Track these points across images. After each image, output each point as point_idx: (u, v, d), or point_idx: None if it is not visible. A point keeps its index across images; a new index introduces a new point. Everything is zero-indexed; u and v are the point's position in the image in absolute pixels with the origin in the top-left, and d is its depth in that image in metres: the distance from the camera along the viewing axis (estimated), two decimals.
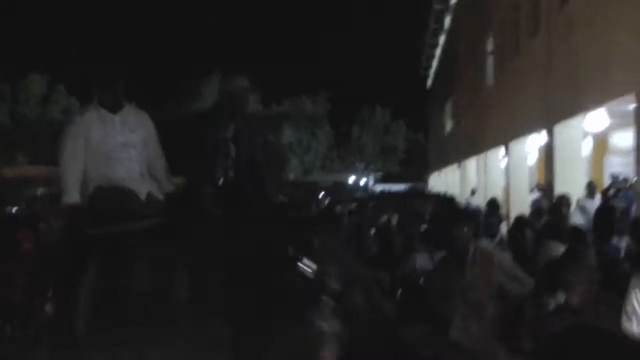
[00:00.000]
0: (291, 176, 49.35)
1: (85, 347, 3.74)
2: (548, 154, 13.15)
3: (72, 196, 4.46)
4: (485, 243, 4.89)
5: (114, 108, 4.65)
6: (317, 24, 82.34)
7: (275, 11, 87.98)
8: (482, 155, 20.86)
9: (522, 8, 15.68)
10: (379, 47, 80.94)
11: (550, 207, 8.95)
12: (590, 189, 10.78)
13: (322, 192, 21.74)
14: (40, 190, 23.80)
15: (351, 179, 44.85)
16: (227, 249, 4.08)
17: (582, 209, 9.80)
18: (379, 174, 53.76)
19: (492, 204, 11.12)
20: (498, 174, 18.47)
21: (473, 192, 20.28)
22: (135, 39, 69.67)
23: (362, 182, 46.53)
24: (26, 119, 48.80)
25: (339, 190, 29.95)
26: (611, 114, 11.42)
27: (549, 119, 12.81)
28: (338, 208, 12.98)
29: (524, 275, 4.38)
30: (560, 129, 12.39)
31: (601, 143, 15.13)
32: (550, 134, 12.78)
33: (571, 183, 11.80)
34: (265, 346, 3.68)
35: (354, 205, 13.68)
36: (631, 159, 9.92)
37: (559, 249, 5.55)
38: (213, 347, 3.64)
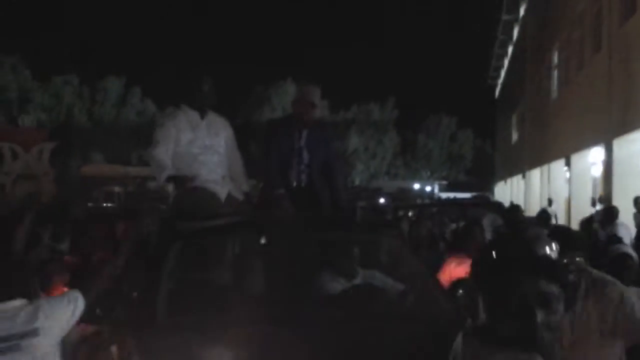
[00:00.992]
0: (357, 181, 49.89)
1: (165, 329, 3.73)
2: (607, 167, 13.44)
3: (169, 171, 4.57)
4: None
5: (201, 113, 4.85)
6: (388, 31, 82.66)
7: (346, 17, 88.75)
8: (545, 167, 21.07)
9: (586, 24, 15.96)
10: (448, 55, 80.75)
11: (581, 222, 9.25)
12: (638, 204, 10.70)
13: (382, 198, 22.13)
14: (116, 188, 25.08)
15: (416, 186, 45.05)
16: (295, 249, 4.32)
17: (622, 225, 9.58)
18: (445, 182, 53.75)
19: (541, 215, 11.25)
20: (561, 185, 18.67)
21: (550, 202, 19.26)
22: (206, 42, 71.53)
23: (428, 189, 46.68)
24: (103, 119, 50.83)
25: (404, 197, 30.28)
26: None
27: (608, 133, 13.12)
28: (400, 213, 13.22)
29: None
30: (620, 143, 12.71)
31: None
32: (610, 148, 13.10)
33: (630, 197, 12.08)
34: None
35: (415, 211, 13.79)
36: None
37: None
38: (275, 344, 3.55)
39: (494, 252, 2.58)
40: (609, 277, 3.23)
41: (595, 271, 3.25)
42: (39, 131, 29.67)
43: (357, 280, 4.26)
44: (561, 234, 3.63)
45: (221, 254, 4.43)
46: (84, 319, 3.42)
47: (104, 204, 20.07)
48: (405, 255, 4.78)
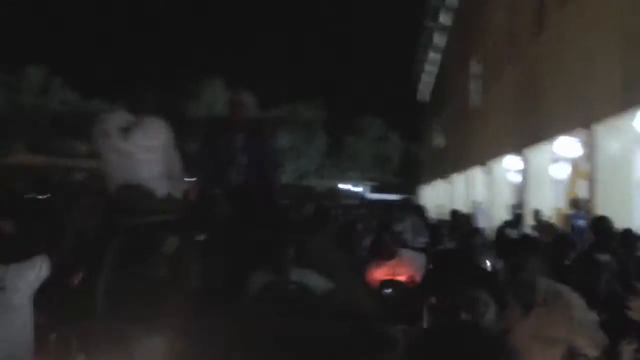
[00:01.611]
0: (286, 180, 50.30)
1: (102, 318, 4.03)
2: (523, 175, 14.35)
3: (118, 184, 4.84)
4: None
5: (140, 115, 5.03)
6: (317, 30, 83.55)
7: (274, 13, 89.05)
8: (468, 172, 22.07)
9: (501, 36, 16.93)
10: (376, 57, 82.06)
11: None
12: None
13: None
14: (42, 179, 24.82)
15: (345, 187, 45.82)
16: (230, 246, 4.48)
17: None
18: (373, 183, 54.80)
19: (454, 214, 12.03)
20: (481, 190, 19.62)
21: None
22: (131, 36, 70.67)
23: (357, 190, 47.55)
24: (24, 108, 49.68)
25: (334, 197, 30.78)
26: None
27: (521, 142, 14.03)
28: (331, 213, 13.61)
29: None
30: (532, 152, 13.61)
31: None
32: (523, 157, 14.01)
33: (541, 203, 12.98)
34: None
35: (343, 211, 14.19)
36: None
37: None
38: (207, 335, 4.02)
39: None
40: (563, 287, 3.26)
41: (550, 280, 3.41)
42: None
43: (289, 278, 4.43)
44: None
45: (158, 249, 4.57)
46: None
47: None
48: (335, 255, 5.08)
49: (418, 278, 5.81)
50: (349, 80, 69.99)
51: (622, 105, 8.85)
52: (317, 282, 4.48)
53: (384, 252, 5.56)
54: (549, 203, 13.27)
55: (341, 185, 45.86)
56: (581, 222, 9.97)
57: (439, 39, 31.72)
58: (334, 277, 4.54)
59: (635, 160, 9.52)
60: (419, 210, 11.80)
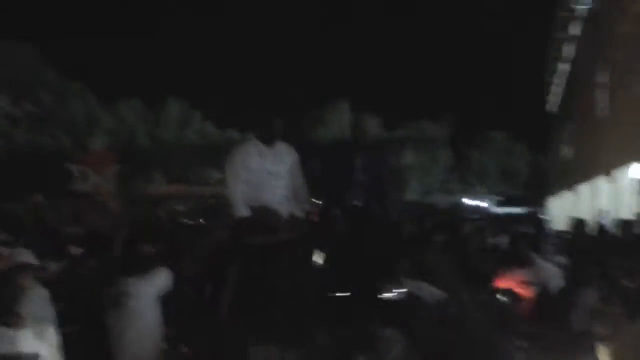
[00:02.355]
0: (411, 197, 50.58)
1: (226, 324, 4.49)
2: None
3: (242, 211, 5.38)
4: None
5: (270, 143, 5.48)
6: (442, 46, 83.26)
7: (398, 33, 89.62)
8: (592, 181, 21.66)
9: (630, 45, 16.69)
10: (500, 71, 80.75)
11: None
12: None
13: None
14: (180, 206, 26.59)
15: (471, 202, 45.51)
16: (350, 261, 4.85)
17: None
18: (500, 197, 53.98)
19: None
20: (605, 200, 19.26)
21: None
22: (262, 66, 73.46)
23: (482, 204, 47.08)
24: (164, 141, 52.99)
25: (456, 212, 30.81)
26: None
27: None
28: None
29: None
30: None
31: None
32: None
33: None
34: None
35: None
36: None
37: None
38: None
39: None
40: None
41: None
42: (107, 154, 31.41)
43: (404, 288, 4.75)
44: None
45: (280, 265, 5.07)
46: None
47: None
48: (448, 268, 5.41)
49: (549, 290, 5.93)
50: (475, 95, 69.24)
51: None
52: (429, 292, 4.79)
53: (518, 259, 5.66)
54: None
55: (466, 200, 45.50)
56: None
57: (568, 50, 31.22)
58: (446, 288, 4.92)
59: None
60: (537, 223, 12.02)
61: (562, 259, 7.46)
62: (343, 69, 74.58)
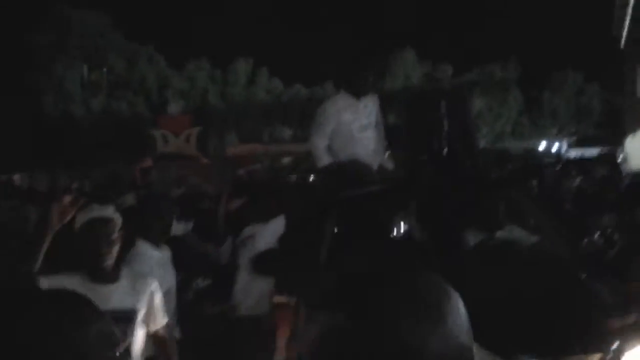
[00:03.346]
0: (482, 144, 50.32)
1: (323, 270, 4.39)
2: None
3: (325, 160, 5.68)
4: None
5: (360, 95, 5.70)
6: None
7: None
8: None
9: None
10: (568, 8, 78.16)
11: None
12: None
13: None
14: (257, 166, 27.53)
15: (542, 145, 45.06)
16: (442, 209, 4.74)
17: None
18: (574, 138, 53.13)
19: None
20: None
21: None
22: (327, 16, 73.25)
23: (555, 147, 46.55)
24: (234, 100, 54.17)
25: (532, 157, 30.68)
26: None
27: None
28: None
29: None
30: None
31: None
32: None
33: None
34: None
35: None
36: None
37: None
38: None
39: None
40: None
41: None
42: (184, 117, 32.65)
43: (498, 234, 4.64)
44: None
45: (376, 217, 4.98)
46: None
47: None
48: (538, 210, 5.19)
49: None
50: (543, 34, 67.63)
51: None
52: (523, 236, 4.65)
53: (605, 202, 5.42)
54: None
55: (539, 144, 45.09)
56: None
57: None
58: (539, 231, 4.76)
59: None
60: (614, 164, 12.19)
61: None
62: (402, 16, 73.78)
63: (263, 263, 4.89)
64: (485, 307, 2.03)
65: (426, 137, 5.83)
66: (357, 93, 5.75)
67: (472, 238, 4.38)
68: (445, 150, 5.78)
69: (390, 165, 5.85)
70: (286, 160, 24.18)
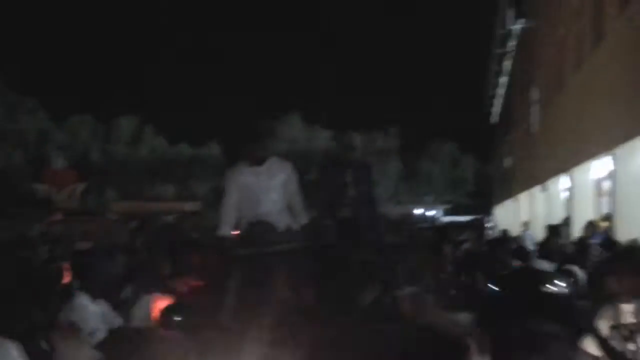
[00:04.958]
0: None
1: (229, 332, 4.38)
2: (571, 193, 16.28)
3: (225, 231, 5.71)
4: None
5: (260, 161, 5.65)
6: (389, 60, 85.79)
7: (344, 47, 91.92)
8: (530, 191, 23.94)
9: (552, 70, 18.96)
10: (446, 85, 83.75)
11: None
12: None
13: None
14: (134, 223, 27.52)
15: (419, 211, 47.54)
16: (343, 268, 4.80)
17: None
18: (448, 206, 56.36)
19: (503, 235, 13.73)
20: (540, 207, 21.45)
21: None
22: (210, 78, 74.64)
23: (430, 214, 49.22)
24: (117, 157, 53.85)
25: (406, 222, 32.36)
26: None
27: (568, 164, 16.01)
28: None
29: None
30: (578, 171, 15.57)
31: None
32: (571, 177, 15.99)
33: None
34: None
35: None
36: None
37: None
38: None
39: None
40: None
41: None
42: (70, 172, 32.20)
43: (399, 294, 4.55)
44: None
45: (277, 274, 5.14)
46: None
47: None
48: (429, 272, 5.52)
49: None
50: (423, 107, 71.88)
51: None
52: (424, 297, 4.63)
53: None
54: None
55: (416, 210, 47.52)
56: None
57: (507, 65, 33.61)
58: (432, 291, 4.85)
59: None
60: (479, 229, 13.86)
61: None
62: (291, 83, 76.35)
63: None
64: None
65: (332, 202, 6.00)
66: (258, 160, 5.80)
67: (370, 295, 4.51)
68: (351, 214, 5.96)
69: (297, 226, 5.90)
70: (169, 218, 24.60)
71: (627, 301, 3.82)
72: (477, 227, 15.25)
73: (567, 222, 15.17)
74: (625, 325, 3.79)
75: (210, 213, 20.74)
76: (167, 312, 4.77)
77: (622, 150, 11.54)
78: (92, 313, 4.80)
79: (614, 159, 11.84)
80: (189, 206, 32.91)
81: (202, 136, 55.18)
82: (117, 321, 4.89)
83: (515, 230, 22.95)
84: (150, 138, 55.11)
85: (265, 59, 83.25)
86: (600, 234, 11.19)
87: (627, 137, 11.19)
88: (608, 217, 12.76)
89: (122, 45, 76.57)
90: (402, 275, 4.67)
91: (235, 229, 5.89)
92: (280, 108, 55.74)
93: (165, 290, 5.28)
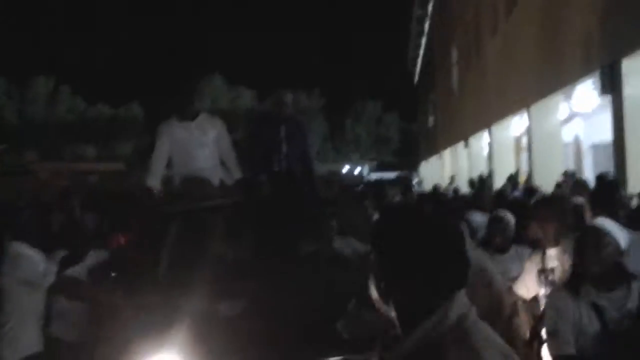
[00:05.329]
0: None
1: (165, 288, 4.29)
2: (491, 149, 17.06)
3: (153, 182, 5.71)
4: None
5: (192, 116, 5.70)
6: (314, 22, 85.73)
7: (269, 10, 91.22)
8: (452, 148, 24.79)
9: (470, 30, 19.60)
10: (371, 44, 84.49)
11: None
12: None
13: None
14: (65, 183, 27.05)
15: (345, 169, 48.20)
16: (279, 222, 4.74)
17: None
18: (374, 163, 57.38)
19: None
20: (464, 162, 22.32)
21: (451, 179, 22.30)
22: (134, 38, 72.98)
23: (357, 171, 49.99)
24: (34, 118, 52.36)
25: (334, 179, 32.91)
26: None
27: (489, 121, 16.74)
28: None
29: None
30: (497, 128, 16.32)
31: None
32: (491, 132, 16.73)
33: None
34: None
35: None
36: None
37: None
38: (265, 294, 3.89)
39: None
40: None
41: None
42: None
43: (334, 245, 4.80)
44: None
45: (211, 228, 5.03)
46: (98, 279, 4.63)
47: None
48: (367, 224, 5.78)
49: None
50: (346, 68, 72.46)
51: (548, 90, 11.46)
52: (359, 246, 4.86)
53: (495, 245, 5.19)
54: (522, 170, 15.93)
55: (342, 167, 48.21)
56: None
57: (428, 26, 34.29)
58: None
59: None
60: (407, 186, 14.38)
61: None
62: (215, 44, 75.53)
63: None
64: None
65: (266, 158, 6.07)
66: (189, 115, 5.84)
67: (308, 247, 4.62)
68: (284, 170, 6.05)
69: (230, 180, 6.01)
70: (92, 178, 24.33)
71: (550, 246, 3.97)
72: (404, 182, 15.81)
73: (489, 175, 15.97)
74: (551, 269, 3.92)
75: (134, 173, 20.60)
76: (102, 268, 4.81)
77: (536, 107, 12.21)
78: (35, 258, 4.90)
79: (529, 116, 12.51)
80: (113, 166, 32.61)
81: (122, 97, 54.26)
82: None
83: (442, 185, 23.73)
84: (67, 98, 53.71)
85: (185, 20, 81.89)
86: (519, 186, 11.90)
87: (539, 95, 11.86)
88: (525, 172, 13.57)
89: (34, 4, 73.91)
90: (337, 228, 4.72)
91: (167, 183, 5.94)
92: (203, 69, 55.37)
93: (100, 247, 5.24)
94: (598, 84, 8.44)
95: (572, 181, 9.57)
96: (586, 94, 10.85)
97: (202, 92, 51.73)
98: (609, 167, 9.04)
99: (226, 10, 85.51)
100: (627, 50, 7.72)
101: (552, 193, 8.45)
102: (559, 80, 10.76)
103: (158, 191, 5.78)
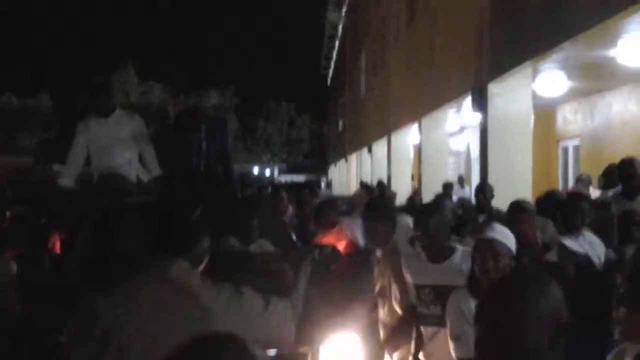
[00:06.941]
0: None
1: (78, 287, 4.10)
2: (389, 155, 18.55)
3: (64, 182, 5.86)
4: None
5: (108, 112, 5.78)
6: (228, 19, 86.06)
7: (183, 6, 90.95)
8: (358, 153, 26.29)
9: (375, 36, 21.12)
10: (285, 45, 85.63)
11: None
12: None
13: None
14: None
15: (255, 170, 49.14)
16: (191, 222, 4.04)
17: None
18: (284, 165, 58.62)
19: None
20: (367, 168, 23.78)
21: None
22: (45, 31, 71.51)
23: (267, 172, 51.10)
24: None
25: (245, 180, 33.71)
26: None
27: (388, 130, 18.25)
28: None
29: None
30: (395, 136, 17.80)
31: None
32: (389, 140, 18.24)
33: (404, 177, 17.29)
34: None
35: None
36: None
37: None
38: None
39: None
40: None
41: None
42: None
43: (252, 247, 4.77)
44: None
45: (127, 225, 4.80)
46: None
47: None
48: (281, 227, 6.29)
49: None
50: (260, 67, 73.26)
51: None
52: (269, 247, 4.98)
53: (325, 222, 5.69)
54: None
55: (252, 168, 49.07)
56: None
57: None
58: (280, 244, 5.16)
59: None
60: (314, 189, 15.55)
61: None
62: (128, 37, 74.98)
63: None
64: None
65: (185, 156, 6.14)
66: (105, 112, 5.95)
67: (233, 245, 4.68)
68: (203, 169, 6.11)
69: (147, 177, 6.12)
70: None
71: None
72: (312, 187, 16.97)
73: (389, 180, 17.40)
74: None
75: (40, 168, 20.68)
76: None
77: (426, 120, 13.71)
78: None
79: (419, 128, 14.03)
80: (20, 162, 32.37)
81: (30, 87, 53.46)
82: None
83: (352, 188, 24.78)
84: None
85: (99, 11, 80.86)
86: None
87: (428, 108, 13.33)
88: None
89: None
90: (256, 228, 4.85)
91: (81, 180, 6.03)
92: (114, 62, 55.13)
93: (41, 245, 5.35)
94: (471, 103, 9.91)
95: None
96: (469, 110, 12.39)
97: (114, 86, 51.51)
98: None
99: (141, 1, 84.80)
100: (493, 76, 9.22)
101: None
102: (444, 96, 12.23)
103: (67, 189, 5.90)
